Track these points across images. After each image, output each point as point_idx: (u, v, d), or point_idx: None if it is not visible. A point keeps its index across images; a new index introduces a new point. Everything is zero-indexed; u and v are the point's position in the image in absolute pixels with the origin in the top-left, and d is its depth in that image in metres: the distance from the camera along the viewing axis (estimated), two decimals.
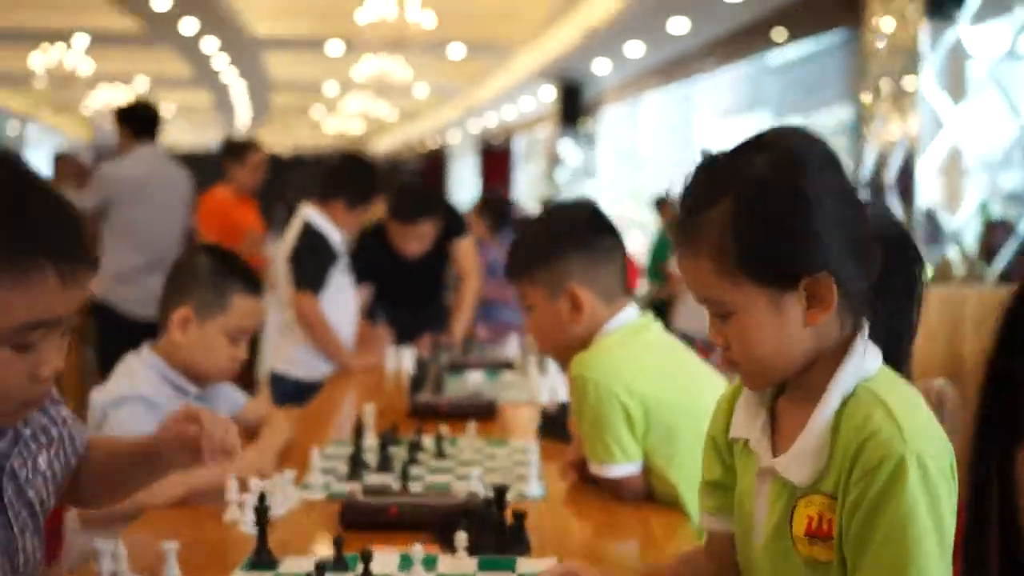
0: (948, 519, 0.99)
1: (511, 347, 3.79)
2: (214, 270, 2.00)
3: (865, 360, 1.06)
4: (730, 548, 1.21)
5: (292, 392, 3.53)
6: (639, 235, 13.29)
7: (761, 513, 1.12)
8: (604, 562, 1.59)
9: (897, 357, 1.11)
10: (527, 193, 17.96)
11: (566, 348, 1.90)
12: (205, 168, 7.81)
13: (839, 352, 1.07)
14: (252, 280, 2.06)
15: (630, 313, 1.89)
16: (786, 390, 1.14)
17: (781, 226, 1.04)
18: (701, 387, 1.84)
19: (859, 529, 1.00)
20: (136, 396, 1.88)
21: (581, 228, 1.89)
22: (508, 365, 3.40)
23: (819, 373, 1.08)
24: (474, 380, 3.22)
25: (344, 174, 3.63)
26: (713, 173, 1.09)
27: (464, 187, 21.42)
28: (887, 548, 0.98)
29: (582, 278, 1.85)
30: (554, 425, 2.36)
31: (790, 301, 1.05)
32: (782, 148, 1.07)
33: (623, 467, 1.79)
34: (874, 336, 1.09)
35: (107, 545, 1.29)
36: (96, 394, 1.91)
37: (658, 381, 1.80)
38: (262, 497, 1.48)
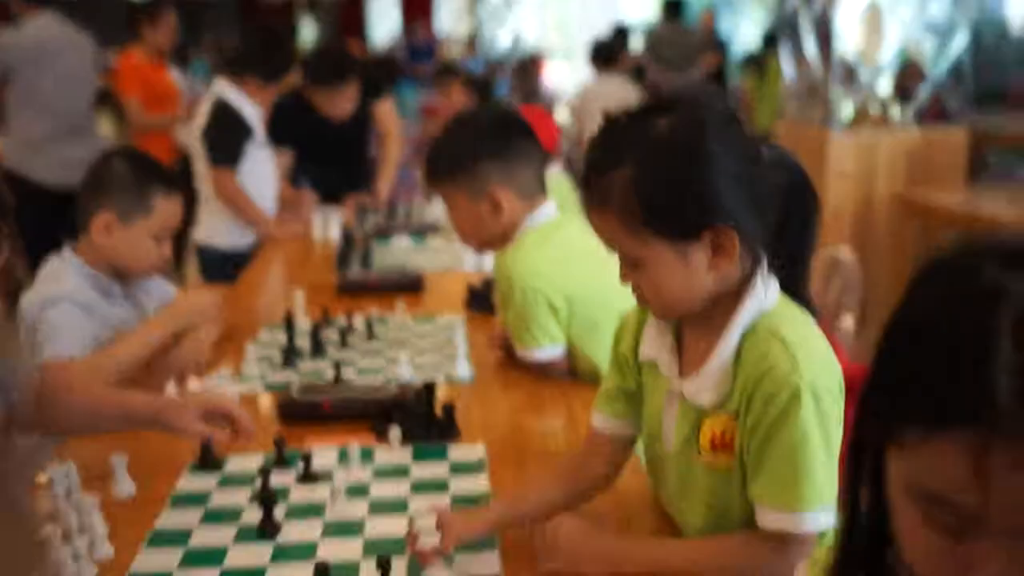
0: (835, 432, 1.12)
1: (436, 210, 3.82)
2: (133, 174, 1.98)
3: (764, 296, 1.15)
4: (612, 448, 1.34)
5: (219, 262, 3.55)
6: (564, 66, 13.14)
7: (670, 425, 1.23)
8: (529, 441, 1.70)
9: (796, 281, 1.21)
10: (450, 27, 17.47)
11: (488, 242, 1.97)
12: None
13: (739, 288, 1.16)
14: (172, 180, 2.05)
15: (549, 209, 1.95)
16: (688, 319, 1.22)
17: (682, 184, 1.10)
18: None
19: (757, 448, 1.12)
20: (64, 296, 1.90)
21: (497, 133, 1.92)
22: (433, 229, 3.45)
23: (720, 307, 1.17)
24: (401, 246, 3.27)
25: (257, 50, 3.52)
26: (617, 135, 1.14)
27: (384, 23, 20.70)
28: (782, 465, 1.10)
29: (501, 180, 1.90)
30: (480, 299, 2.45)
31: (695, 251, 1.12)
32: (683, 109, 1.12)
33: (548, 350, 1.89)
34: (774, 263, 1.17)
35: (60, 470, 1.36)
36: (25, 301, 1.92)
37: (580, 276, 1.88)
38: None
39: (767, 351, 1.12)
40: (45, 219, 3.70)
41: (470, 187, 1.92)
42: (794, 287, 1.20)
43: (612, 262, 1.97)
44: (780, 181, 1.16)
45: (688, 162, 1.10)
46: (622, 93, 6.23)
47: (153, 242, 1.99)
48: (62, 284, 1.92)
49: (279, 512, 1.39)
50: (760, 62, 7.29)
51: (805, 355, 1.11)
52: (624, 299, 1.92)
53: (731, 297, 1.16)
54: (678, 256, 1.13)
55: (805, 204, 1.20)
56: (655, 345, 1.24)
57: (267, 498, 1.33)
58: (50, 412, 1.39)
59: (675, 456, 1.22)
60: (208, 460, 1.55)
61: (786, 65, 4.97)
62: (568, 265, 1.89)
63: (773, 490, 1.11)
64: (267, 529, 1.33)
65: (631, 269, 1.17)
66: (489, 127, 1.94)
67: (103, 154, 2.10)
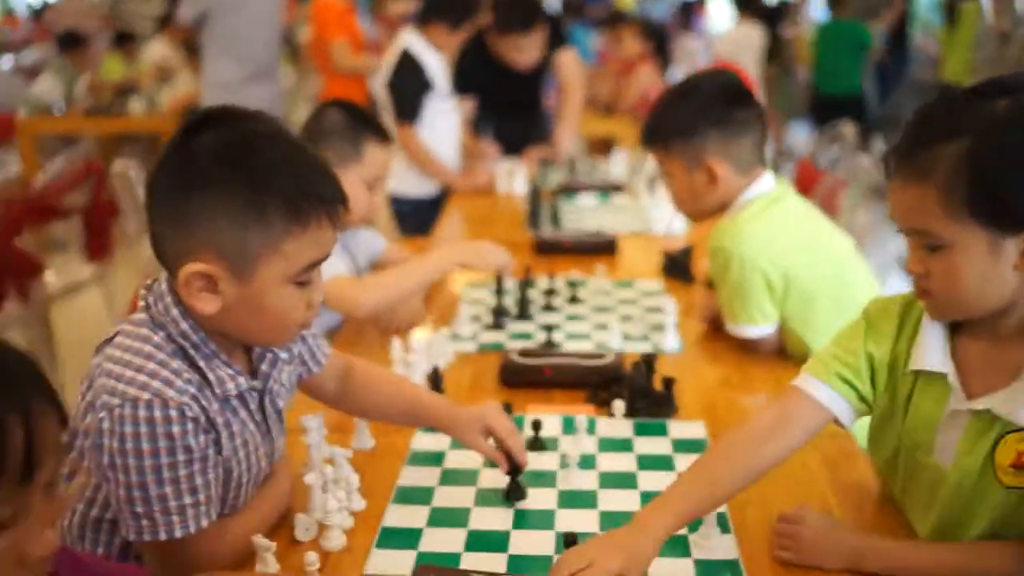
0: None
1: (616, 166, 3.82)
2: (347, 123, 2.07)
3: None
4: (817, 423, 1.25)
5: (408, 210, 3.67)
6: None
7: (950, 440, 1.18)
8: (744, 420, 1.71)
9: None
10: None
11: (701, 211, 1.97)
12: None
13: None
14: (382, 131, 2.13)
15: (767, 183, 1.92)
16: (966, 329, 1.19)
17: (1019, 174, 1.06)
18: (839, 255, 1.91)
19: None
20: None
21: (720, 102, 1.89)
22: (617, 188, 3.45)
23: (1010, 316, 1.13)
24: (586, 204, 3.29)
25: None
26: (952, 109, 1.10)
27: None
28: None
29: (719, 152, 1.88)
30: (677, 266, 2.45)
31: (1009, 245, 1.08)
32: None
33: (761, 328, 1.89)
34: None
35: (313, 420, 1.45)
36: None
37: (797, 251, 1.86)
38: (436, 369, 1.62)
39: None
40: None
41: (687, 156, 1.91)
42: None
43: (827, 234, 1.95)
44: None
45: None
46: (752, 42, 6.23)
47: (365, 190, 2.08)
48: None
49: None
50: (953, 7, 6.89)
51: None
52: (841, 273, 1.88)
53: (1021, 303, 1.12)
54: (990, 246, 1.08)
55: None
56: (938, 355, 1.20)
57: (514, 469, 1.38)
58: (350, 395, 1.49)
59: (958, 474, 1.18)
60: None
61: (986, 9, 4.66)
62: (786, 240, 1.87)
63: None
64: (513, 493, 1.39)
65: (928, 253, 1.12)
66: (713, 96, 1.92)
67: (320, 105, 2.19)
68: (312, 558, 1.19)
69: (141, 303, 1.20)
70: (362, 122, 2.10)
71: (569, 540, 1.21)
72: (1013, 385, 1.13)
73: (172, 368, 1.14)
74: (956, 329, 1.21)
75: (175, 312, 1.17)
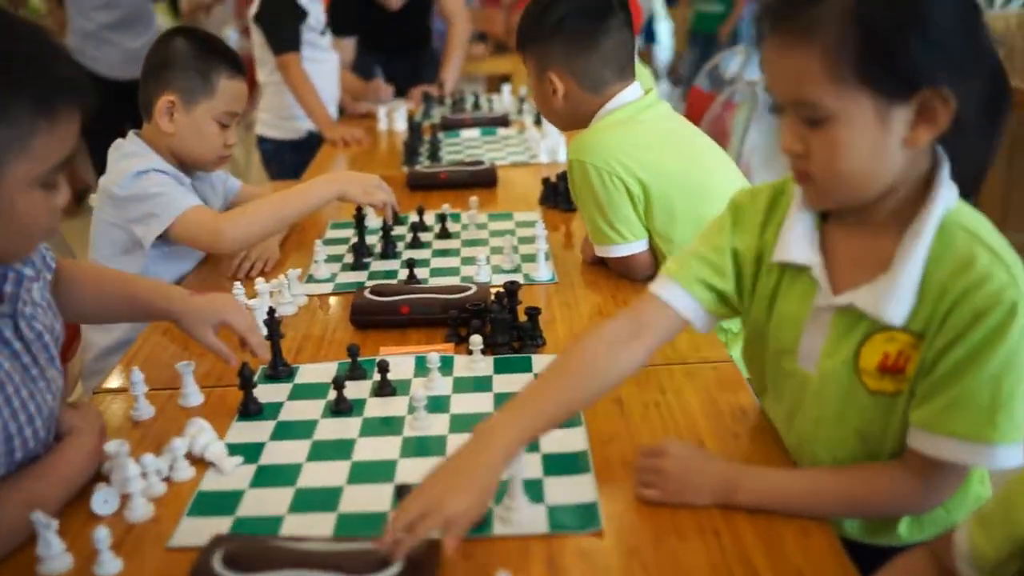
0: None
1: (504, 101, 3.65)
2: (196, 54, 1.86)
3: (950, 191, 0.99)
4: (670, 329, 1.14)
5: (275, 151, 3.45)
6: None
7: (815, 342, 1.07)
8: None
9: (967, 194, 1.02)
10: None
11: (563, 121, 1.87)
12: None
13: (913, 186, 1.00)
14: (236, 62, 1.92)
15: (629, 95, 1.78)
16: (835, 217, 1.07)
17: (912, 26, 0.91)
18: (707, 167, 1.79)
19: (949, 371, 0.96)
20: (152, 167, 1.80)
21: (573, 13, 1.75)
22: (503, 122, 3.28)
23: (885, 203, 1.00)
24: (470, 138, 3.12)
25: None
26: None
27: None
28: (980, 390, 0.95)
29: (561, 67, 1.77)
30: (556, 194, 2.31)
31: (898, 114, 0.94)
32: None
33: (631, 246, 1.76)
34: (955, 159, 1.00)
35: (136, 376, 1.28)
36: (106, 181, 1.82)
37: (656, 160, 1.73)
38: (271, 311, 1.45)
39: (971, 258, 0.95)
40: (108, 113, 3.60)
41: (535, 64, 1.81)
42: (964, 196, 1.01)
43: (697, 146, 1.83)
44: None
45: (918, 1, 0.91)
46: None
47: (216, 127, 1.88)
48: (144, 159, 1.82)
49: (354, 428, 1.30)
50: None
51: (1016, 263, 0.95)
52: (708, 185, 1.76)
53: (898, 193, 0.99)
54: (877, 116, 0.94)
55: (997, 96, 1.00)
56: (803, 246, 1.07)
57: (246, 381, 1.33)
58: (61, 297, 1.33)
59: (822, 378, 1.07)
60: (279, 370, 1.45)
61: None
62: (644, 149, 1.73)
63: (960, 417, 0.95)
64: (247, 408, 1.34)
65: (809, 127, 0.97)
66: (566, 4, 1.76)
67: (165, 32, 1.97)
68: (101, 535, 1.02)
69: None
70: (212, 51, 1.89)
71: (402, 492, 1.07)
72: (880, 277, 1.00)
73: None
74: (827, 218, 1.08)
75: None
